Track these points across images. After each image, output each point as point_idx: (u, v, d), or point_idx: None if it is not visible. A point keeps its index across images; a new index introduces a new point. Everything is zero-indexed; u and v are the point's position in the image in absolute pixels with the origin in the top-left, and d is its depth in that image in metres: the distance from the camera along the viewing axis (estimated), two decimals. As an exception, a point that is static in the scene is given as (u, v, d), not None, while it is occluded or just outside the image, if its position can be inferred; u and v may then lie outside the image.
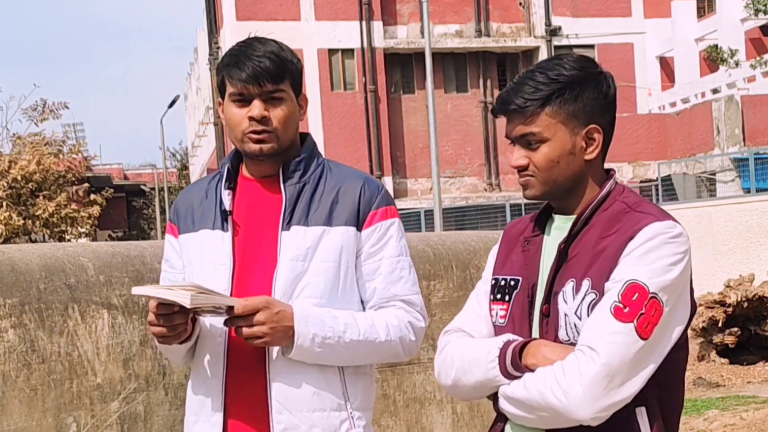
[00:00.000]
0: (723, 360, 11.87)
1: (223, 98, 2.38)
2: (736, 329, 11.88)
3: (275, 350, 2.26)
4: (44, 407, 2.88)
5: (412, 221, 24.01)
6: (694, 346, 11.94)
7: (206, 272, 2.31)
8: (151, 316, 2.23)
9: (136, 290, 2.21)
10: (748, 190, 18.76)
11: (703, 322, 11.80)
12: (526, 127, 2.04)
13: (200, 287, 2.14)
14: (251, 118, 2.30)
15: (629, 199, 2.06)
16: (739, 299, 11.69)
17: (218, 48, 28.90)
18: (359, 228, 2.35)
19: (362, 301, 2.38)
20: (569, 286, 2.01)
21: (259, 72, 2.28)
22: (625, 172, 26.11)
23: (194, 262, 2.36)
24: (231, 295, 2.27)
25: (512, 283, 2.13)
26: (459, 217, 23.45)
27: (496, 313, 2.15)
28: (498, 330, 2.14)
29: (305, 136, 2.44)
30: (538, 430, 2.01)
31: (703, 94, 30.12)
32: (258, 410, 2.28)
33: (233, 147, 2.44)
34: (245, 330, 2.19)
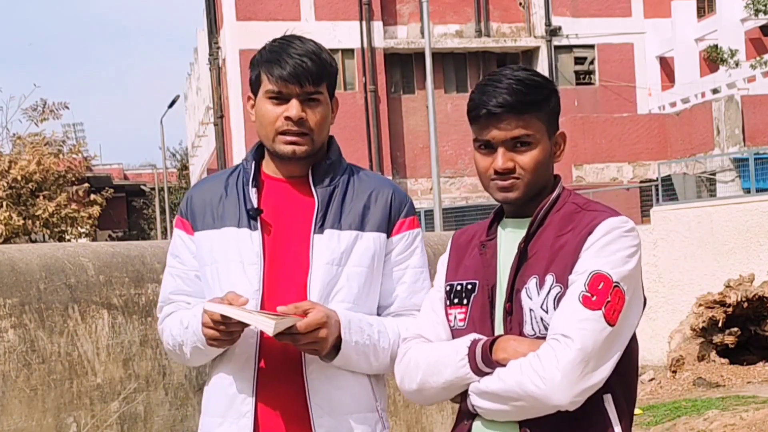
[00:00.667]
0: (723, 360, 11.87)
1: (254, 93, 2.33)
2: (736, 329, 11.88)
3: (309, 355, 2.24)
4: (44, 407, 2.88)
5: (412, 221, 23.94)
6: (694, 346, 11.95)
7: (234, 271, 2.27)
8: (206, 319, 2.17)
9: (213, 307, 2.14)
10: (748, 190, 18.74)
11: (703, 322, 11.80)
12: (523, 129, 2.10)
13: (278, 315, 2.11)
14: (288, 118, 2.25)
15: (578, 200, 2.18)
16: (739, 299, 11.69)
17: (218, 48, 28.91)
18: (388, 235, 2.35)
19: (378, 306, 2.38)
20: (532, 282, 2.09)
21: (301, 72, 2.24)
22: (625, 172, 26.10)
23: (219, 261, 2.30)
24: (262, 294, 2.25)
25: (469, 286, 2.20)
26: (459, 217, 23.42)
27: (455, 317, 2.21)
28: (457, 333, 2.19)
29: (330, 139, 2.41)
30: (511, 425, 2.06)
31: (703, 94, 30.12)
32: (295, 414, 2.24)
33: (257, 142, 2.38)
34: (309, 346, 2.17)
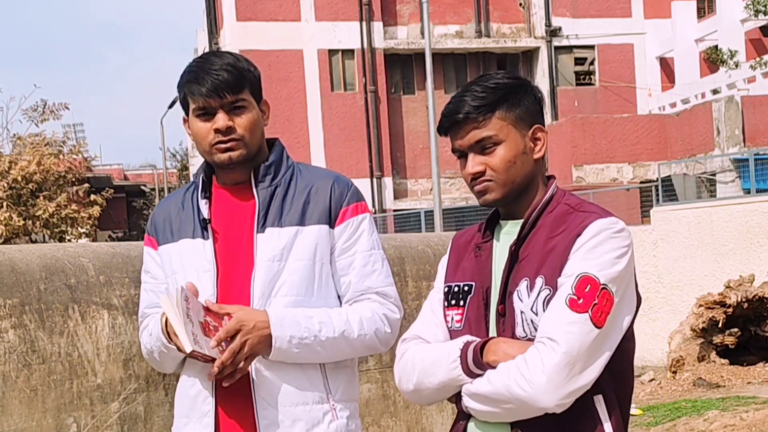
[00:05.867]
0: (723, 361, 11.87)
1: (187, 114, 2.44)
2: (736, 330, 11.89)
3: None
4: (44, 408, 2.88)
5: (412, 222, 24.00)
6: (694, 346, 11.95)
7: (191, 280, 2.37)
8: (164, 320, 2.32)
9: (166, 303, 2.26)
10: (748, 191, 18.72)
11: (704, 322, 11.80)
12: (479, 132, 2.15)
13: (208, 339, 2.24)
14: (217, 130, 2.35)
15: (571, 201, 2.20)
16: (739, 300, 11.69)
17: (218, 48, 28.91)
18: (332, 225, 2.42)
19: (339, 296, 2.45)
20: (523, 285, 2.12)
21: (219, 84, 2.33)
22: (625, 173, 26.10)
23: (177, 271, 2.42)
24: (216, 299, 2.36)
25: (465, 288, 2.24)
26: (459, 218, 23.42)
27: (452, 318, 2.25)
28: (454, 334, 2.22)
29: (274, 141, 2.51)
30: (503, 425, 2.09)
31: (703, 95, 30.12)
32: (245, 408, 2.35)
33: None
34: (237, 366, 2.29)
